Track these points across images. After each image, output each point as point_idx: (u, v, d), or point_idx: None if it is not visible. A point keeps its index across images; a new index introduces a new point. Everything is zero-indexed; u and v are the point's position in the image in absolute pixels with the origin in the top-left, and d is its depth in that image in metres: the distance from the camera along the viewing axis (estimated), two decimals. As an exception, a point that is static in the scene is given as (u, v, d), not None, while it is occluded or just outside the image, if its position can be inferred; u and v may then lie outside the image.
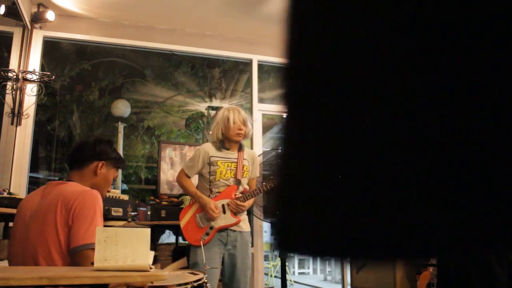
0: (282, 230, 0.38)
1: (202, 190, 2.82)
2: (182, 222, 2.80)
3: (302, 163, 0.38)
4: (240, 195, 2.80)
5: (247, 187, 2.89)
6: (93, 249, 1.52)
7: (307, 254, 0.41)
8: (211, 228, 2.72)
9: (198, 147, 2.96)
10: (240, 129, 2.78)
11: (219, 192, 2.78)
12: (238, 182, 2.82)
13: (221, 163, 2.79)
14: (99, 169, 1.84)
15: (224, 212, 2.76)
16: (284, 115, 0.40)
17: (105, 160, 1.86)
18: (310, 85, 0.39)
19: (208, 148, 2.83)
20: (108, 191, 1.98)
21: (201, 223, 2.75)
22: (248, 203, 2.81)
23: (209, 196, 2.79)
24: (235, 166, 2.82)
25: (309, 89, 0.39)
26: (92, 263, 1.24)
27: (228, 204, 2.77)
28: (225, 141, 2.82)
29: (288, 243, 0.39)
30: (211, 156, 2.79)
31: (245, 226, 2.82)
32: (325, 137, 0.37)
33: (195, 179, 2.92)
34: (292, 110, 0.40)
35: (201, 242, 2.56)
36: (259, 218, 3.49)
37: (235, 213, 2.77)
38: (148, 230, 1.25)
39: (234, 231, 2.76)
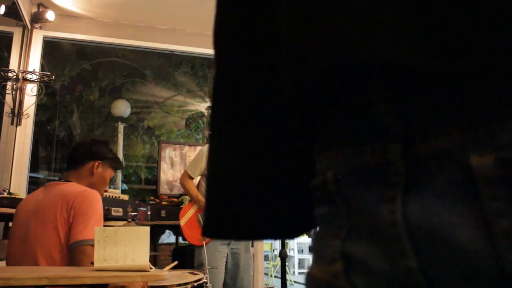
0: (210, 217, 0.45)
1: (204, 190, 2.80)
2: (183, 221, 2.79)
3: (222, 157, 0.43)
4: None
5: None
6: (91, 245, 1.53)
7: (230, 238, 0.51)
8: None
9: (201, 147, 2.97)
10: None
11: None
12: None
13: None
14: (95, 169, 1.87)
15: None
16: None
17: (101, 160, 1.89)
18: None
19: None
20: (106, 191, 2.01)
21: (203, 222, 2.74)
22: None
23: None
24: None
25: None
26: (92, 263, 1.24)
27: None
28: None
29: (214, 229, 0.46)
30: None
31: None
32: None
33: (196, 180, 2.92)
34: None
35: (203, 242, 2.56)
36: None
37: None
38: (147, 228, 1.25)
39: None
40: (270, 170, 0.40)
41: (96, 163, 1.87)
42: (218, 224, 0.44)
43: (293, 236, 0.43)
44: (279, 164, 0.40)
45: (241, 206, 0.41)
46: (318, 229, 0.36)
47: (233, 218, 0.42)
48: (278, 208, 0.41)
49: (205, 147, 2.90)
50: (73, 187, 1.73)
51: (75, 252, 1.58)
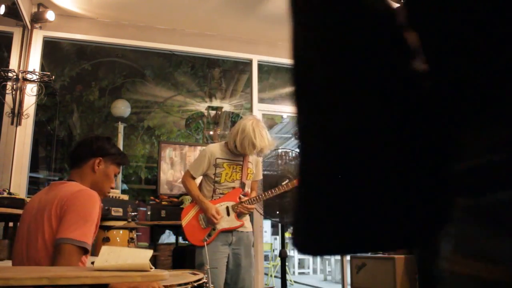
0: (301, 232, 0.39)
1: (205, 190, 2.82)
2: (184, 221, 2.79)
3: (318, 169, 0.38)
4: (246, 198, 2.81)
5: (248, 190, 2.92)
6: (72, 245, 1.50)
7: (324, 254, 0.45)
8: (214, 229, 2.72)
9: (204, 147, 2.97)
10: (257, 150, 2.77)
11: (222, 194, 2.80)
12: (242, 185, 2.84)
13: (227, 165, 2.81)
14: (97, 166, 1.81)
15: (228, 214, 2.77)
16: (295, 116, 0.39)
17: (103, 156, 1.83)
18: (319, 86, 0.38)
19: (215, 149, 2.83)
20: (112, 188, 1.94)
21: (204, 223, 2.75)
22: (253, 206, 2.84)
23: (212, 196, 2.79)
24: (240, 169, 2.84)
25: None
26: (93, 263, 1.24)
27: (232, 207, 2.78)
28: (236, 149, 2.80)
29: (307, 244, 0.40)
30: (217, 158, 2.80)
31: (248, 226, 2.85)
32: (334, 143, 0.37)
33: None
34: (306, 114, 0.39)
35: (205, 243, 2.57)
36: (259, 213, 3.49)
37: (239, 216, 2.79)
38: (150, 252, 1.23)
39: (239, 231, 2.78)
40: (380, 173, 0.35)
41: (97, 160, 1.81)
42: (320, 239, 0.38)
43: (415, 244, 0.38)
44: (392, 167, 0.35)
45: (350, 216, 0.36)
46: (474, 223, 0.30)
47: (337, 231, 0.37)
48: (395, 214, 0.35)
49: (208, 147, 2.89)
50: (73, 187, 1.70)
51: (57, 249, 1.53)
